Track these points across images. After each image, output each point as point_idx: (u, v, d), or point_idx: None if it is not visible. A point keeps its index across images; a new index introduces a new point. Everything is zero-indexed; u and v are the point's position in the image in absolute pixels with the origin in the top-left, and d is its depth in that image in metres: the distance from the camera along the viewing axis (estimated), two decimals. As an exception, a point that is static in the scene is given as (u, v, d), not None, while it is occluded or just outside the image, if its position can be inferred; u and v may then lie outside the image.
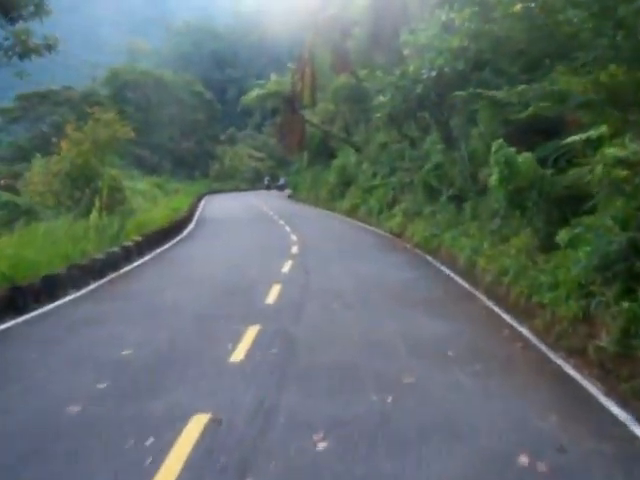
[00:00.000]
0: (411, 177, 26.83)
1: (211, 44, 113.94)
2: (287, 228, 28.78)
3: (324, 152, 50.43)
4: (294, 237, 25.24)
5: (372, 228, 28.62)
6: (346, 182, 39.17)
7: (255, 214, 38.44)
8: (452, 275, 15.77)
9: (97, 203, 21.20)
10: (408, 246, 21.77)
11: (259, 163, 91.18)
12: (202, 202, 50.48)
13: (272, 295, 13.11)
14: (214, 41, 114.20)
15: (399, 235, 24.33)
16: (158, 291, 14.14)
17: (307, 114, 43.02)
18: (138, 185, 46.45)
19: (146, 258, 20.11)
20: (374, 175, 34.14)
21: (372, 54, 28.84)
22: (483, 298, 12.72)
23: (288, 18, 68.68)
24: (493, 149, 12.18)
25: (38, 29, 20.13)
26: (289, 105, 40.29)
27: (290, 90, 39.12)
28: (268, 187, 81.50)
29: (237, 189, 78.61)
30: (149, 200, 39.92)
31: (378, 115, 26.56)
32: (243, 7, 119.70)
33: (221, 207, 45.87)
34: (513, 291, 11.51)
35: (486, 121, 15.97)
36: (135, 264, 18.60)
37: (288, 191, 67.55)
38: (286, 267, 17.48)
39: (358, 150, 39.62)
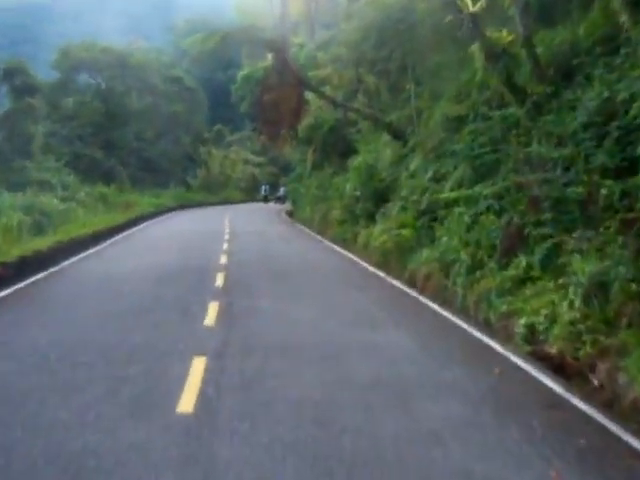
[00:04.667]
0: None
1: (214, 43, 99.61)
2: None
3: (337, 147, 32.97)
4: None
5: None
6: (376, 193, 21.63)
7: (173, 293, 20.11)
8: None
9: None
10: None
11: (257, 169, 73.69)
12: (134, 229, 32.55)
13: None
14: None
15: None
16: None
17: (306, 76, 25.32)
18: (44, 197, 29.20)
19: None
20: (437, 179, 16.96)
21: None
22: None
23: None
24: None
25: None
26: (275, 58, 22.92)
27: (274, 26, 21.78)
28: (266, 199, 64.39)
29: (226, 201, 61.28)
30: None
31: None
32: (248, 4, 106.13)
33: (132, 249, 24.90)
34: None
35: None
36: None
37: (288, 205, 50.36)
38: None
39: (398, 137, 22.19)
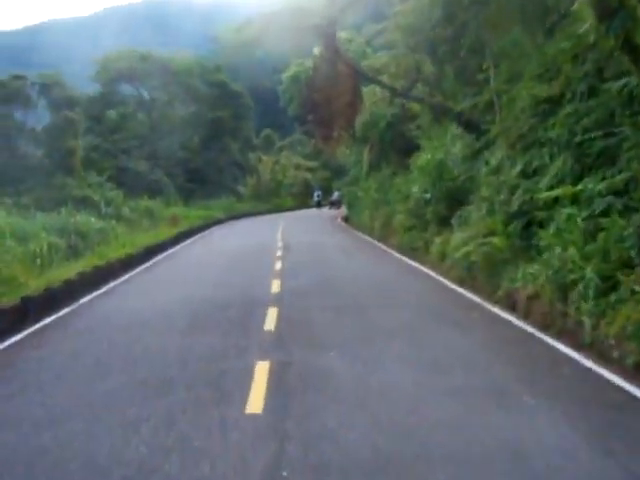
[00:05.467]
0: None
1: (259, 51, 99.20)
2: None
3: (395, 144, 30.02)
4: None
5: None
6: (449, 193, 18.62)
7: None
8: None
9: None
10: None
11: (309, 174, 71.07)
12: (177, 247, 28.74)
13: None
14: (263, 48, 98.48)
15: None
16: None
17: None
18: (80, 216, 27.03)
19: None
20: (527, 174, 13.90)
21: None
22: None
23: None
24: None
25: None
26: (324, 45, 20.00)
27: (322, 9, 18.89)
28: (319, 204, 61.68)
29: (278, 209, 58.75)
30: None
31: None
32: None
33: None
34: None
35: None
36: None
37: (344, 210, 47.59)
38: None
39: (471, 128, 19.13)
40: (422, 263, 18.05)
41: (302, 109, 23.51)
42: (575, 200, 11.38)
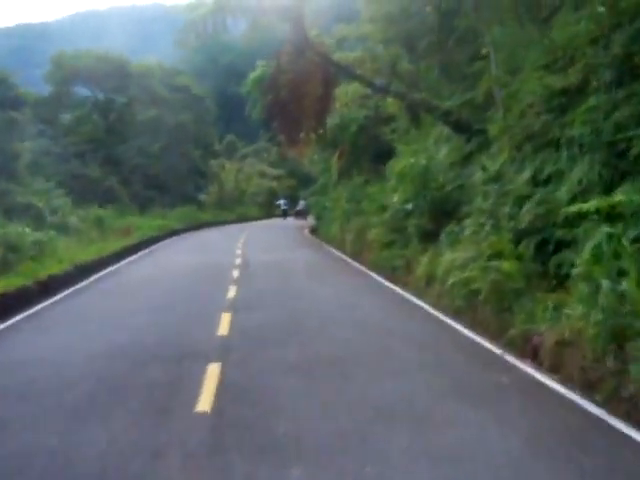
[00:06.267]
0: None
1: (225, 57, 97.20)
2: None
3: (368, 150, 27.47)
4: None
5: None
6: (434, 204, 15.92)
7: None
8: None
9: None
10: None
11: (275, 183, 68.31)
12: (118, 264, 24.13)
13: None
14: (229, 54, 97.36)
15: None
16: None
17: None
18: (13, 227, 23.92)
19: None
20: (537, 182, 11.29)
21: None
22: None
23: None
24: None
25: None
26: (292, 29, 17.13)
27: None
28: (284, 214, 58.94)
29: (242, 219, 55.87)
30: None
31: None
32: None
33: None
34: None
35: None
36: None
37: (310, 220, 44.92)
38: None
39: (462, 128, 16.49)
40: (404, 287, 15.31)
41: (266, 107, 20.20)
42: (612, 214, 8.79)
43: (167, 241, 36.32)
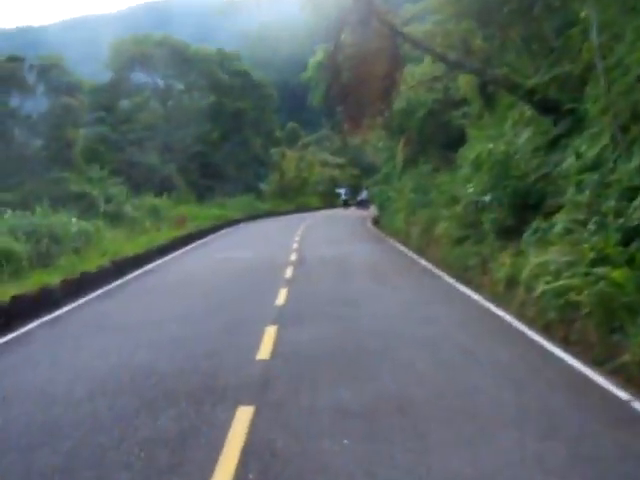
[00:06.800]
0: None
1: (288, 47, 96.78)
2: None
3: (437, 136, 25.42)
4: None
5: None
6: (516, 196, 13.78)
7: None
8: None
9: None
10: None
11: (337, 171, 66.48)
12: (163, 259, 21.88)
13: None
14: (292, 43, 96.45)
15: None
16: None
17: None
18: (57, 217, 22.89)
19: None
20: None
21: None
22: None
23: None
24: None
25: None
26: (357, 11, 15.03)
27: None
28: (346, 204, 57.28)
29: (302, 208, 54.27)
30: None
31: None
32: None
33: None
34: None
35: None
36: None
37: (373, 210, 43.04)
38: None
39: (548, 109, 14.32)
40: (479, 289, 13.29)
41: (326, 88, 18.00)
42: None
43: (222, 232, 34.80)
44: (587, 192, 10.65)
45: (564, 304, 9.16)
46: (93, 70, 53.44)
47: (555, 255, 10.09)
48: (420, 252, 20.30)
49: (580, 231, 10.09)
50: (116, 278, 16.35)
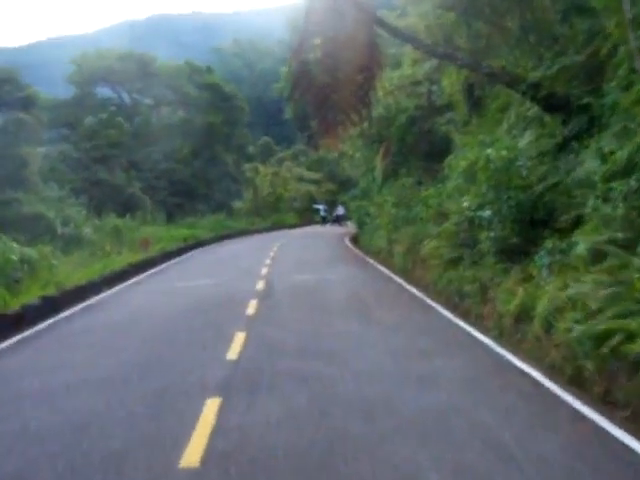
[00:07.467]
0: None
1: (262, 63, 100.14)
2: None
3: (419, 145, 23.26)
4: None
5: None
6: (522, 211, 11.50)
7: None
8: None
9: None
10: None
11: (313, 187, 64.36)
12: (111, 291, 18.49)
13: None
14: (266, 59, 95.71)
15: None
16: None
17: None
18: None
19: None
20: None
21: None
22: None
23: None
24: None
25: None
26: None
27: None
28: (324, 220, 54.98)
29: (277, 226, 52.03)
30: None
31: None
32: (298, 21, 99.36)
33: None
34: None
35: None
36: None
37: (350, 225, 40.97)
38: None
39: (554, 107, 12.11)
40: (478, 323, 11.02)
41: (292, 83, 15.12)
42: None
43: (188, 254, 32.03)
44: (620, 203, 8.42)
45: (609, 353, 6.86)
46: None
47: (588, 286, 7.80)
48: (405, 275, 17.97)
49: (618, 254, 7.83)
50: (43, 319, 13.49)
